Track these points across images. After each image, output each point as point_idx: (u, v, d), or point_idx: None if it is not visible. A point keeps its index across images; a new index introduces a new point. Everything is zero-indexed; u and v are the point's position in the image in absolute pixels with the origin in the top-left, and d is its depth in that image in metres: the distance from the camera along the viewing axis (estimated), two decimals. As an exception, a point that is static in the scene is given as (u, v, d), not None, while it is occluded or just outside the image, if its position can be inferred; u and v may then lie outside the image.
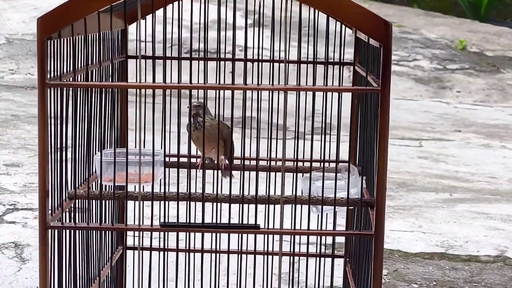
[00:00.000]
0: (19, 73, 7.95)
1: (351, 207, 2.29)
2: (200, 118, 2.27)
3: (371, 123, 2.00)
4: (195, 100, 2.32)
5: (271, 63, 2.33)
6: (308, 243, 2.54)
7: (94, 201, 2.07)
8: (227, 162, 2.35)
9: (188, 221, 1.94)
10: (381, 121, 1.81)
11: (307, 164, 2.45)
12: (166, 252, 2.53)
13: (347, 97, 2.30)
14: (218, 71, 2.17)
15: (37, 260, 3.16)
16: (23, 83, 7.59)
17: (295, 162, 2.40)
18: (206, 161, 2.36)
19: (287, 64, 1.86)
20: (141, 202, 1.89)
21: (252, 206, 2.02)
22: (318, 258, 2.57)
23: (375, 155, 1.91)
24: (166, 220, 2.02)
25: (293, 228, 2.01)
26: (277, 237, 2.73)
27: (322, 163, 2.36)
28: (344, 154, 2.47)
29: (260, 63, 2.36)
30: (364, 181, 2.09)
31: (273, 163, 2.36)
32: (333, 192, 1.96)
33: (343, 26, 2.19)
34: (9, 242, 3.39)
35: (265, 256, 2.56)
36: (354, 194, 2.01)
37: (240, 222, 2.10)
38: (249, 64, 2.20)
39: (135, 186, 2.03)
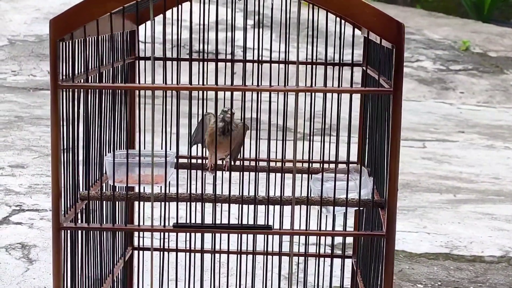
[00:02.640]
0: (22, 75, 7.96)
1: (361, 208, 2.29)
2: (230, 124, 2.20)
3: (382, 124, 2.00)
4: (227, 107, 2.26)
5: (284, 64, 2.33)
6: (319, 244, 2.55)
7: (104, 202, 2.07)
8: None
9: (201, 222, 1.94)
10: (393, 122, 1.81)
11: (316, 165, 2.45)
12: (177, 253, 2.53)
13: (354, 98, 2.30)
14: (230, 72, 2.17)
15: (44, 260, 3.18)
16: (25, 85, 7.60)
17: (307, 163, 2.39)
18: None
19: (298, 65, 1.86)
20: (153, 203, 1.89)
21: (259, 207, 2.02)
22: (329, 259, 2.57)
23: (385, 156, 1.92)
24: (177, 221, 2.03)
25: (305, 229, 2.01)
26: (285, 238, 2.74)
27: (334, 164, 2.36)
28: (352, 156, 2.47)
29: (268, 63, 2.36)
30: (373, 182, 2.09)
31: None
32: (342, 193, 1.96)
33: (350, 27, 2.19)
34: (16, 243, 3.40)
35: (270, 256, 2.57)
36: (364, 195, 2.02)
37: (250, 222, 2.10)
38: (255, 65, 2.20)
39: (144, 187, 2.03)
